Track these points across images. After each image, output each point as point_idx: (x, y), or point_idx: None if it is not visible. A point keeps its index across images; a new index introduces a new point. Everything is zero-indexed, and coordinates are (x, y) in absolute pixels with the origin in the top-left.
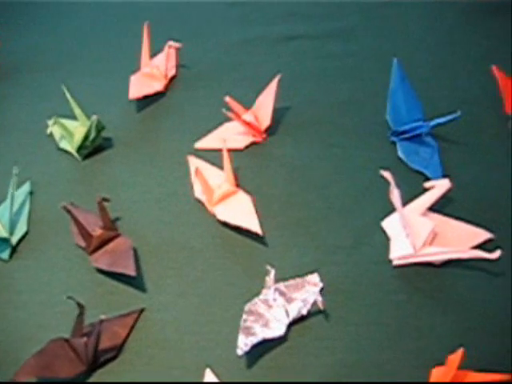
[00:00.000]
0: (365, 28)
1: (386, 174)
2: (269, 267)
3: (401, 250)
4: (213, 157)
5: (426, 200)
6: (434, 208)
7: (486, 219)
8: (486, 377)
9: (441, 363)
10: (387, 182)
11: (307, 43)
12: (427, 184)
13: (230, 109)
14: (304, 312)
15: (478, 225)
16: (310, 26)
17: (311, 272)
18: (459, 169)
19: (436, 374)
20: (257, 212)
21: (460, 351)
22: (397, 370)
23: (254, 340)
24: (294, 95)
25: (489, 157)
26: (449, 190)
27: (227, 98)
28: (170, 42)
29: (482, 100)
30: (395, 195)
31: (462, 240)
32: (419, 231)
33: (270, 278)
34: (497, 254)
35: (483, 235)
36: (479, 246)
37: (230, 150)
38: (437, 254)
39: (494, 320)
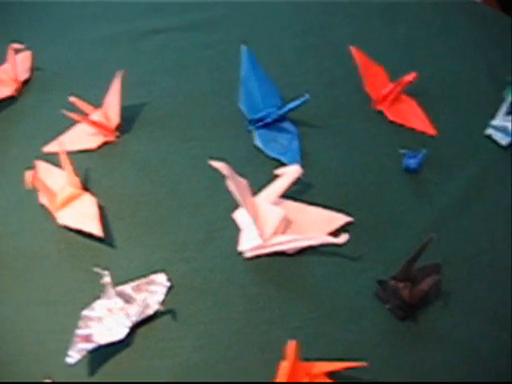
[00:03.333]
0: (229, 19)
1: (217, 165)
2: (100, 270)
3: (250, 242)
4: None
5: (277, 187)
6: (292, 195)
7: (347, 203)
8: (335, 365)
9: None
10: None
11: (171, 36)
12: (278, 171)
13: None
14: (150, 312)
15: (339, 210)
16: (175, 19)
17: (159, 271)
18: (321, 153)
19: (280, 368)
20: (105, 213)
21: (292, 343)
22: (245, 365)
23: (88, 347)
24: (153, 90)
25: (351, 140)
26: (300, 176)
27: (71, 98)
28: (13, 45)
29: (347, 83)
30: (235, 186)
31: (319, 226)
32: (269, 220)
33: (106, 281)
34: (344, 239)
35: (342, 219)
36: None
37: (81, 151)
38: (285, 242)
39: (347, 307)
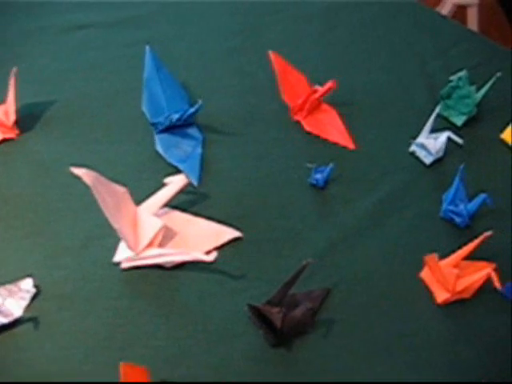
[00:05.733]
0: (156, 18)
1: (79, 172)
2: None
3: (125, 252)
4: None
5: (161, 197)
6: (185, 206)
7: (242, 216)
8: None
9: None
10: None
11: (94, 33)
12: (166, 179)
13: None
14: (11, 319)
15: (232, 223)
16: (101, 15)
17: (30, 276)
18: (226, 162)
19: None
20: None
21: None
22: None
23: None
24: (64, 88)
25: (262, 150)
26: (185, 186)
27: None
28: None
29: (268, 89)
30: (100, 195)
31: (206, 239)
32: (145, 231)
33: None
34: (213, 257)
35: (230, 234)
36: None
37: None
38: (157, 256)
39: (219, 328)
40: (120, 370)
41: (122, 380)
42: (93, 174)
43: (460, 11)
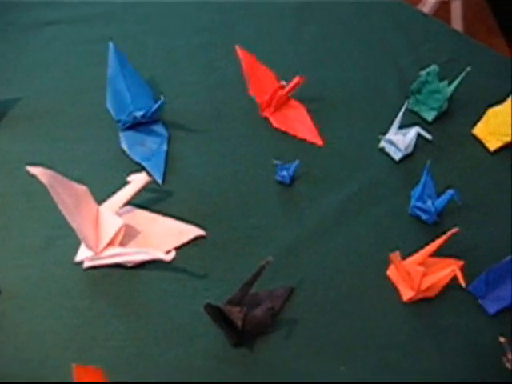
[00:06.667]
0: (126, 14)
1: (35, 171)
2: None
3: (86, 252)
4: None
5: (122, 196)
6: (148, 204)
7: (206, 214)
8: None
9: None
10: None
11: (61, 29)
12: (129, 178)
13: None
14: None
15: (195, 221)
16: (69, 12)
17: None
18: (192, 160)
19: None
20: None
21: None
22: None
23: None
24: (30, 85)
25: (228, 147)
26: (148, 184)
27: None
28: None
29: (238, 85)
30: (58, 194)
31: (169, 238)
32: (106, 231)
33: None
34: (171, 256)
35: (193, 232)
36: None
37: None
38: (118, 255)
39: (179, 328)
40: (73, 371)
41: (75, 382)
42: (49, 172)
43: (443, 7)
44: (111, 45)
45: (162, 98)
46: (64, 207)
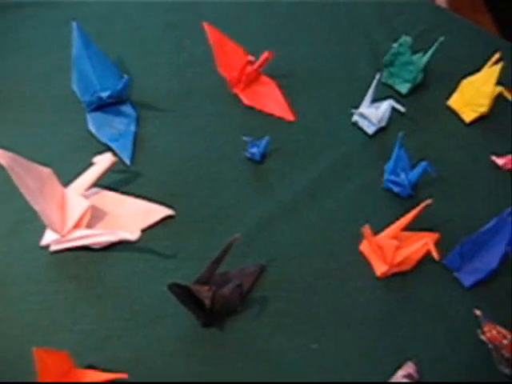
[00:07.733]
0: None
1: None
2: None
3: (52, 235)
4: None
5: (88, 177)
6: (116, 185)
7: (175, 194)
8: (100, 376)
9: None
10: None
11: (28, 12)
12: (94, 159)
13: None
14: None
15: (164, 201)
16: None
17: None
18: (160, 139)
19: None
20: None
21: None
22: (25, 369)
23: None
24: None
25: (197, 125)
26: (113, 165)
27: None
28: None
29: (206, 63)
30: (19, 177)
31: (137, 219)
32: (72, 213)
33: None
34: (136, 235)
35: (161, 212)
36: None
37: None
38: (84, 237)
39: (147, 309)
40: (35, 356)
41: (38, 366)
42: (9, 155)
43: None
44: (74, 25)
45: (126, 76)
46: (26, 190)
